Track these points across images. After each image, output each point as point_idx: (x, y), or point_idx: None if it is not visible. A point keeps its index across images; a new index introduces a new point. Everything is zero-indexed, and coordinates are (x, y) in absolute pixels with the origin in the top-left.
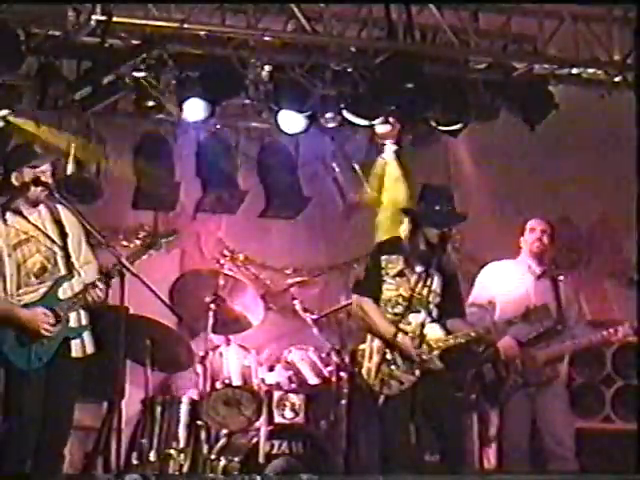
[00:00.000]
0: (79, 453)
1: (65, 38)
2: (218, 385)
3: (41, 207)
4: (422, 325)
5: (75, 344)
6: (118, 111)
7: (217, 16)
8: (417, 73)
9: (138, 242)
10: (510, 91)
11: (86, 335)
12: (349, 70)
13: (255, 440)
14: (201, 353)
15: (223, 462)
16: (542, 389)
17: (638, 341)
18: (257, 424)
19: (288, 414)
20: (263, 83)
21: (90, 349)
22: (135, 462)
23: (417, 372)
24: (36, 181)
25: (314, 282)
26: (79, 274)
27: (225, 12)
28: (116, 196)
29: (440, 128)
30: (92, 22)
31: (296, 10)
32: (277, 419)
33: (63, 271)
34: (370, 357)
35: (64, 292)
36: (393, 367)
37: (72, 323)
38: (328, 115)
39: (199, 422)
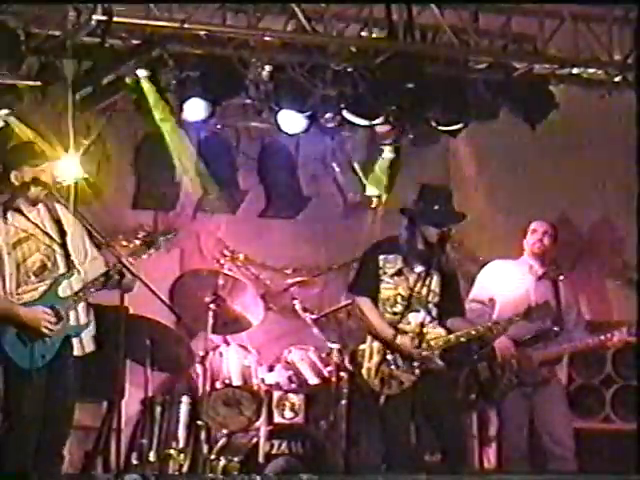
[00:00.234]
0: (79, 453)
1: (65, 38)
2: (218, 385)
3: (40, 206)
4: (422, 324)
5: (75, 342)
6: (118, 111)
7: (217, 16)
8: (417, 73)
9: (138, 242)
10: (510, 91)
11: (85, 334)
12: (349, 70)
13: (255, 440)
14: (201, 353)
15: (223, 462)
16: (539, 389)
17: (638, 341)
18: (257, 424)
19: (288, 414)
20: (263, 83)
21: (90, 347)
22: (135, 462)
23: (417, 372)
24: (36, 181)
25: (314, 282)
26: (79, 272)
27: (225, 12)
28: (116, 196)
29: (440, 128)
30: (92, 22)
31: (296, 10)
32: (277, 419)
33: (62, 269)
34: (370, 357)
35: (64, 290)
36: (393, 367)
37: (72, 321)
38: (328, 115)
39: (199, 422)
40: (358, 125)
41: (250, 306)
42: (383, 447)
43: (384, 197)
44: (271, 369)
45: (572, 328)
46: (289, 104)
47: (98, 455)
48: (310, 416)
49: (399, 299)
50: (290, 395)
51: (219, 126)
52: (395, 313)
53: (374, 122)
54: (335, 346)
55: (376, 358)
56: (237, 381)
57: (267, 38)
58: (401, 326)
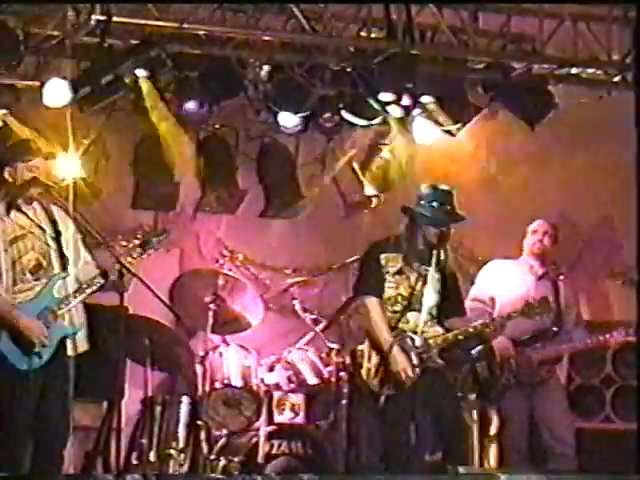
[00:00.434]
0: (79, 453)
1: (65, 38)
2: (218, 385)
3: (36, 205)
4: (421, 324)
5: (68, 342)
6: (117, 111)
7: (216, 16)
8: (417, 73)
9: (131, 245)
10: (509, 91)
11: (78, 334)
12: (348, 70)
13: (255, 440)
14: (201, 353)
15: (223, 462)
16: (538, 389)
17: (638, 341)
18: (257, 424)
19: (288, 414)
20: (262, 83)
21: (83, 347)
22: (135, 462)
23: (417, 371)
24: (35, 180)
25: (314, 282)
26: (68, 274)
27: (224, 12)
28: (116, 196)
29: (440, 128)
30: (92, 22)
31: (296, 10)
32: (277, 419)
33: (57, 269)
34: (370, 357)
35: (59, 291)
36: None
37: (67, 322)
38: (327, 115)
39: (199, 422)
40: (358, 125)
41: (250, 306)
42: (383, 447)
43: (383, 197)
44: (271, 369)
45: (571, 328)
46: (288, 104)
47: (98, 455)
48: (310, 416)
49: (399, 299)
50: (290, 395)
51: (218, 126)
52: (395, 312)
53: (373, 122)
54: (335, 346)
55: (375, 358)
56: (237, 381)
57: (266, 38)
58: (400, 325)
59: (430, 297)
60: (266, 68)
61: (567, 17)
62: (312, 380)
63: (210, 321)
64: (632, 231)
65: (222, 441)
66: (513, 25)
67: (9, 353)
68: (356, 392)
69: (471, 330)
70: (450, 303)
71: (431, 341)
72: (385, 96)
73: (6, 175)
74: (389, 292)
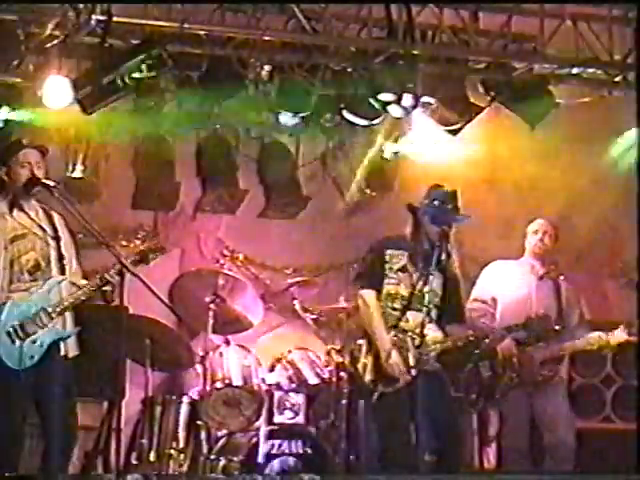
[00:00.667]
0: (79, 453)
1: (65, 38)
2: (218, 385)
3: (39, 208)
4: (421, 325)
5: (61, 346)
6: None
7: (217, 16)
8: (417, 73)
9: (137, 242)
10: (510, 91)
11: (70, 339)
12: (349, 70)
13: (255, 440)
14: (201, 353)
15: (223, 462)
16: (541, 388)
17: (638, 341)
18: (257, 424)
19: (288, 414)
20: (263, 83)
21: (73, 352)
22: (135, 462)
23: (413, 372)
24: (35, 180)
25: (314, 282)
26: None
27: (225, 12)
28: (116, 196)
29: (441, 128)
30: (92, 22)
31: (296, 10)
32: (277, 419)
33: (55, 271)
34: (367, 352)
35: (55, 294)
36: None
37: (59, 326)
38: (328, 115)
39: (199, 422)
40: (358, 125)
41: (250, 306)
42: (382, 447)
43: (383, 197)
44: (271, 369)
45: (574, 327)
46: (288, 104)
47: (98, 455)
48: (310, 416)
49: (399, 296)
50: (290, 395)
51: (219, 126)
52: (394, 309)
53: (374, 122)
54: (335, 346)
55: (372, 354)
56: (237, 381)
57: (266, 38)
58: (400, 324)
59: (429, 297)
60: (267, 68)
61: (568, 17)
62: (312, 380)
63: (210, 321)
64: (632, 231)
65: (222, 441)
66: (514, 25)
67: (2, 350)
68: (356, 392)
69: (471, 338)
70: (450, 307)
71: (430, 346)
72: (386, 96)
73: (3, 175)
74: (389, 288)
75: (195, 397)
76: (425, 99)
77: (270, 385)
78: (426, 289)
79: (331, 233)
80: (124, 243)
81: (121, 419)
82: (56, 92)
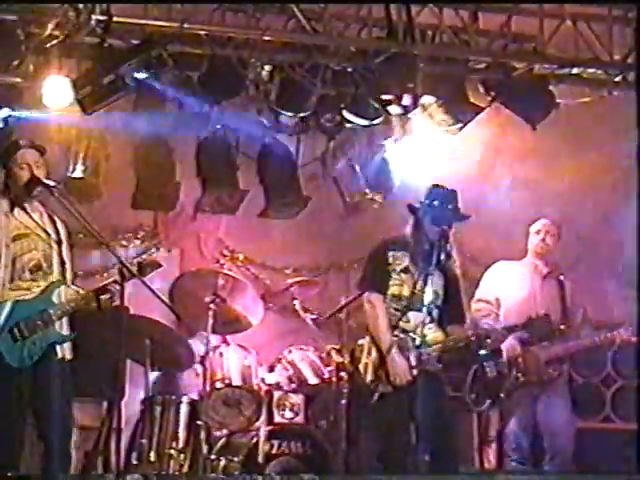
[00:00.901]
0: (79, 453)
1: (65, 38)
2: (218, 385)
3: (42, 210)
4: (422, 325)
5: (58, 349)
6: (118, 111)
7: (217, 16)
8: (417, 73)
9: (138, 242)
10: (510, 91)
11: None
12: (349, 70)
13: (255, 440)
14: (201, 353)
15: (223, 462)
16: (545, 388)
17: (638, 341)
18: (257, 424)
19: (288, 414)
20: (263, 83)
21: (68, 356)
22: (135, 462)
23: (414, 372)
24: (36, 180)
25: (314, 282)
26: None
27: (225, 12)
28: (116, 196)
29: (441, 128)
30: (92, 22)
31: (296, 10)
32: (277, 419)
33: (56, 273)
34: (369, 352)
35: (57, 297)
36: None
37: (57, 329)
38: (328, 115)
39: (199, 422)
40: (358, 125)
41: (250, 306)
42: (382, 447)
43: (384, 197)
44: (271, 369)
45: (579, 326)
46: (289, 104)
47: (98, 455)
48: (310, 416)
49: (402, 297)
50: (290, 395)
51: (219, 126)
52: (396, 309)
53: (374, 122)
54: (335, 346)
55: (374, 354)
56: (237, 381)
57: (266, 38)
58: (401, 324)
59: (430, 297)
60: (267, 68)
61: (568, 17)
62: (312, 380)
63: (210, 321)
64: (632, 231)
65: (222, 441)
66: (514, 25)
67: (4, 348)
68: (356, 392)
69: (472, 339)
70: (451, 308)
71: (430, 346)
72: (386, 96)
73: (3, 177)
74: (392, 289)
75: (195, 397)
76: (425, 99)
77: (270, 385)
78: (426, 289)
79: (331, 233)
80: (124, 243)
81: (121, 419)
82: (56, 92)
